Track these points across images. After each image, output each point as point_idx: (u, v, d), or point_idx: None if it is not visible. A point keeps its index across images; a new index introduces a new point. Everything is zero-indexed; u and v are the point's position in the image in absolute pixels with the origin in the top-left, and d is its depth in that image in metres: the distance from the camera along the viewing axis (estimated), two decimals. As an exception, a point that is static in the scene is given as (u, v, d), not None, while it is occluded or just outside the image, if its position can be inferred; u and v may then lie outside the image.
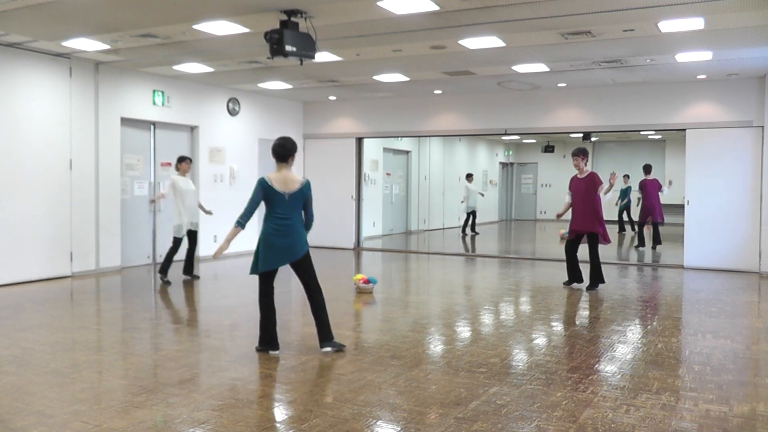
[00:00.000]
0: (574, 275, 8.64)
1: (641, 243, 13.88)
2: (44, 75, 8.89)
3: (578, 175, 8.46)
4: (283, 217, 5.14)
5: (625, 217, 16.10)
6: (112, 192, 9.86)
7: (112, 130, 9.86)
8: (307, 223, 5.35)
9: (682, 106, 10.70)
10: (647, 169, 13.81)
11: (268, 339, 5.31)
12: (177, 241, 8.82)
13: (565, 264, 8.71)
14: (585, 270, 8.59)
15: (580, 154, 8.35)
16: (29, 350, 5.31)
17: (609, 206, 12.12)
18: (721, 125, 10.39)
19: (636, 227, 14.14)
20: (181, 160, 8.96)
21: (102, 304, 7.74)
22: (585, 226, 8.30)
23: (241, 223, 5.14)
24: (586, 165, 8.42)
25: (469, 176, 16.72)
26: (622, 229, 16.18)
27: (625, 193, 15.89)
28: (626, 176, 16.02)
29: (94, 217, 9.61)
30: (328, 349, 5.34)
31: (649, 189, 13.51)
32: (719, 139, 10.40)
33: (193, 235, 9.00)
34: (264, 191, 5.16)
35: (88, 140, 9.51)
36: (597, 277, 8.44)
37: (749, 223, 10.16)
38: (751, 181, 10.16)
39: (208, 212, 9.24)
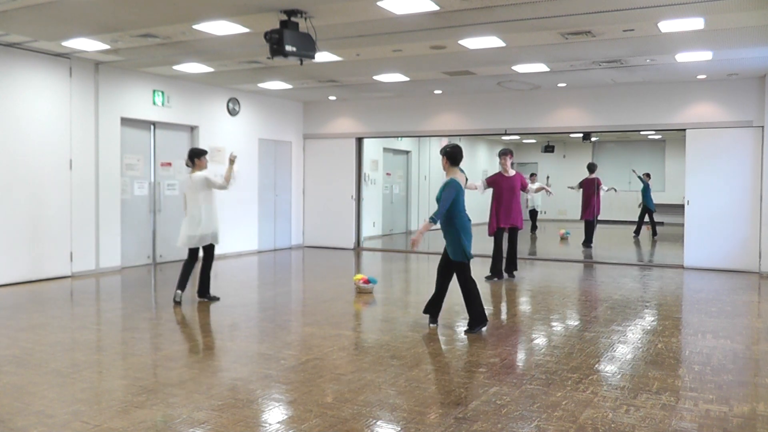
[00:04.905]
0: (508, 266, 9.48)
1: (586, 242, 13.73)
2: (44, 75, 8.89)
3: (504, 174, 9.10)
4: (464, 209, 6.08)
5: (646, 218, 15.78)
6: (112, 192, 9.86)
7: (112, 130, 9.85)
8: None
9: (682, 106, 10.70)
10: (591, 168, 13.81)
11: (478, 315, 6.07)
12: (194, 251, 7.37)
13: (560, 263, 8.98)
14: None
15: (509, 153, 9.12)
16: (29, 350, 5.31)
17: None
18: (721, 125, 10.38)
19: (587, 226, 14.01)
20: (200, 154, 7.31)
21: (102, 304, 7.73)
22: (511, 221, 9.16)
23: (434, 219, 5.89)
24: (512, 165, 9.17)
25: (532, 176, 16.90)
26: (654, 232, 15.93)
27: (645, 192, 15.75)
28: (647, 174, 15.93)
29: (94, 217, 9.61)
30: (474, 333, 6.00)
31: (587, 187, 13.49)
32: (719, 139, 10.40)
33: (209, 249, 7.38)
34: (458, 192, 5.95)
35: (88, 140, 9.51)
36: (514, 265, 9.50)
37: (749, 223, 10.16)
38: (751, 181, 10.15)
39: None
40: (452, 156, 6.04)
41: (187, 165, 7.37)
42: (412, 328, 6.23)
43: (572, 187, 14.11)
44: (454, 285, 6.27)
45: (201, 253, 7.42)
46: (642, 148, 20.01)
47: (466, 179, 6.19)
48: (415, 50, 8.38)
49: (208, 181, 7.16)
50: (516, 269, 9.56)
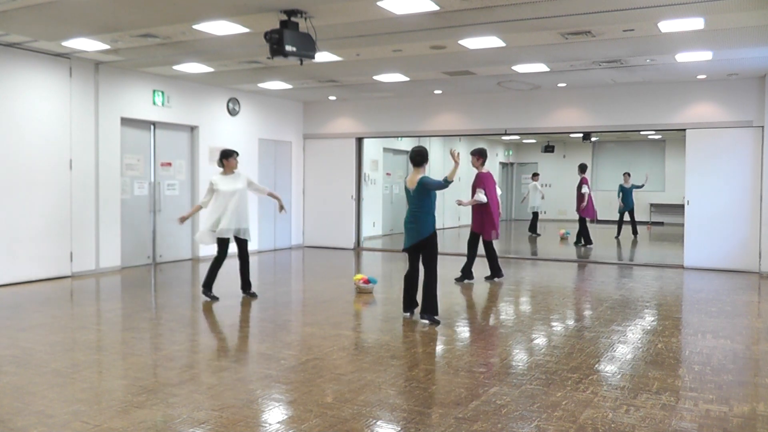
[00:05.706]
0: (495, 270, 9.12)
1: (589, 241, 13.84)
2: (44, 75, 8.88)
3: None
4: (412, 207, 6.59)
5: (626, 217, 15.55)
6: (112, 192, 9.86)
7: (112, 130, 9.85)
8: (444, 181, 6.37)
9: (682, 106, 10.70)
10: (583, 168, 14.03)
11: (407, 303, 6.70)
12: (219, 247, 7.52)
13: (560, 263, 8.84)
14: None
15: (475, 154, 8.80)
16: (29, 350, 5.31)
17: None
18: (721, 125, 10.38)
19: (581, 225, 14.09)
20: (227, 155, 7.67)
21: (102, 304, 7.73)
22: (472, 224, 8.96)
23: None
24: (482, 166, 8.78)
25: (535, 176, 16.86)
26: (618, 232, 15.84)
27: (628, 193, 15.61)
28: (627, 174, 15.84)
29: (94, 217, 9.61)
30: (425, 321, 6.39)
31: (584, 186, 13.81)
32: (719, 139, 10.39)
33: (241, 245, 7.69)
34: (406, 192, 6.68)
35: (88, 140, 9.51)
36: (467, 273, 8.97)
37: (749, 223, 10.16)
38: (751, 181, 10.15)
39: (281, 208, 8.25)
40: (412, 158, 6.56)
41: (218, 165, 7.77)
42: (412, 328, 6.23)
43: (578, 207, 14.09)
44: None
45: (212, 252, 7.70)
46: (642, 148, 20.03)
47: (422, 179, 6.43)
48: (415, 50, 8.38)
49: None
50: (471, 278, 8.98)
